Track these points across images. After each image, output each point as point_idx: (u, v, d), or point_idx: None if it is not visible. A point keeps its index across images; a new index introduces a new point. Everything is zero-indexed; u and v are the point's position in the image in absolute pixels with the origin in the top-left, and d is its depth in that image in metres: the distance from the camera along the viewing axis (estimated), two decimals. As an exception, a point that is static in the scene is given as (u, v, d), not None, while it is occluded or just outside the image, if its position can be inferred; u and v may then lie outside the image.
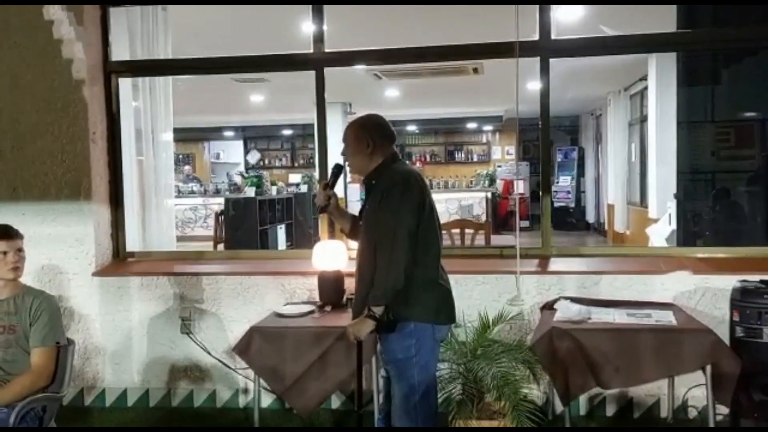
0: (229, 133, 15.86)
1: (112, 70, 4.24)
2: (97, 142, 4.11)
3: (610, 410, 3.69)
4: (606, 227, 11.53)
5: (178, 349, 4.00)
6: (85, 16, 4.02)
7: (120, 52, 4.31)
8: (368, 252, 2.62)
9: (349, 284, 3.75)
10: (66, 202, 4.02)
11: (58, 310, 3.02)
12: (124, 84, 4.35)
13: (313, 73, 4.13)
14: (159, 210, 4.64)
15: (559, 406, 3.37)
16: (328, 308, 3.58)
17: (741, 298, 3.13)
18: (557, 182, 13.58)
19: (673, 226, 5.91)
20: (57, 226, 4.03)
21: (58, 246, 4.03)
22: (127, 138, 4.38)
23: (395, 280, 2.50)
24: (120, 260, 4.26)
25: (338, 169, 2.81)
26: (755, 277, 3.23)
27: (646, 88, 8.38)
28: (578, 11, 4.99)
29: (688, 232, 5.74)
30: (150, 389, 4.06)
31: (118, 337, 4.06)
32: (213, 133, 15.55)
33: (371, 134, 2.70)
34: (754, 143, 5.81)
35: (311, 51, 4.10)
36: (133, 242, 4.40)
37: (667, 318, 3.17)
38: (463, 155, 16.05)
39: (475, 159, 15.91)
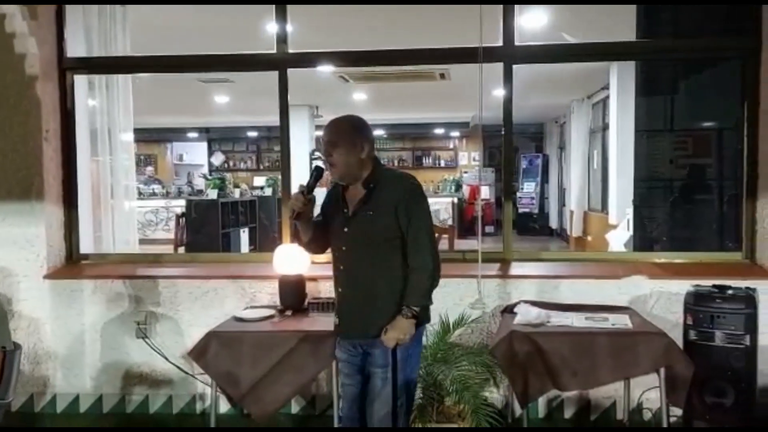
0: (192, 134, 15.64)
1: (67, 67, 4.12)
2: (50, 140, 3.99)
3: (568, 412, 3.72)
4: (568, 233, 11.71)
5: (133, 354, 3.90)
6: (39, 10, 3.90)
7: (76, 49, 4.19)
8: (377, 259, 2.54)
9: (312, 289, 3.72)
10: (16, 202, 3.89)
11: (5, 314, 2.91)
12: (80, 81, 4.24)
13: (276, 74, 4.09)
14: (117, 212, 4.53)
15: (518, 409, 3.39)
16: (288, 312, 3.53)
17: (694, 302, 3.20)
18: (522, 188, 13.75)
19: (631, 231, 6.03)
20: (6, 227, 3.90)
21: (8, 247, 3.89)
22: (83, 137, 4.26)
23: (437, 279, 2.57)
24: (73, 263, 4.14)
25: (319, 173, 2.60)
26: (708, 282, 3.30)
27: (608, 96, 8.55)
28: (541, 19, 5.06)
29: (645, 238, 5.85)
30: (103, 395, 3.95)
31: (70, 341, 3.94)
32: (176, 133, 15.32)
33: (366, 136, 2.58)
34: (711, 152, 5.95)
35: (274, 51, 4.06)
36: (88, 245, 4.29)
37: (623, 322, 3.22)
38: (430, 160, 16.17)
39: (442, 165, 16.06)
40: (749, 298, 3.14)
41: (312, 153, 11.32)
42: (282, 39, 4.04)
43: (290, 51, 4.06)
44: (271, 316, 3.47)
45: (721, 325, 3.12)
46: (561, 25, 4.93)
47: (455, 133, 15.71)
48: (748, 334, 3.10)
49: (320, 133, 12.41)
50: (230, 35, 4.70)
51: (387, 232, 2.54)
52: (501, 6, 3.89)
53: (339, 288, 2.62)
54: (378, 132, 15.31)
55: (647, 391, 3.46)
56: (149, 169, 14.07)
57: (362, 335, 2.60)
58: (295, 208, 2.52)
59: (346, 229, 2.56)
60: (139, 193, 11.54)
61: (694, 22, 4.66)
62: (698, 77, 5.46)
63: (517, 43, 3.95)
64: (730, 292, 3.18)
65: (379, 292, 2.55)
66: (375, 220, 2.54)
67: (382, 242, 2.54)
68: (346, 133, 2.55)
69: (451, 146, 16.22)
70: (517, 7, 3.93)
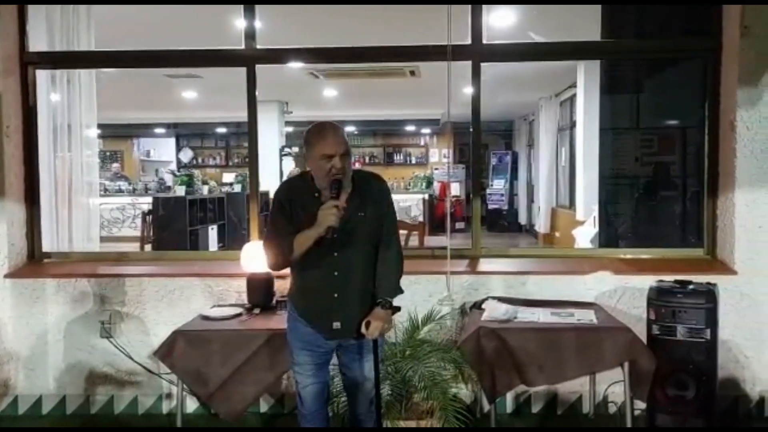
0: (160, 130, 15.38)
1: (28, 62, 4.04)
2: (11, 136, 3.91)
3: (535, 407, 3.77)
4: (537, 229, 11.85)
5: (98, 353, 3.83)
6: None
7: (37, 43, 4.10)
8: (366, 257, 2.61)
9: (280, 286, 3.70)
10: (-24, 199, 3.80)
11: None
12: (42, 76, 4.14)
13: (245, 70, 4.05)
14: (80, 209, 4.44)
15: (487, 405, 3.42)
16: (256, 311, 3.51)
17: (657, 297, 3.27)
18: (492, 185, 13.87)
19: (597, 228, 6.13)
20: (-34, 225, 3.79)
21: (-33, 246, 3.79)
22: (45, 133, 4.17)
23: None
24: (35, 261, 4.06)
25: (340, 185, 2.50)
26: (671, 278, 3.38)
27: (575, 94, 8.66)
28: (510, 18, 5.11)
29: (610, 234, 5.95)
30: (67, 396, 3.88)
31: (32, 341, 3.86)
32: (143, 129, 15.05)
33: None
34: (676, 150, 6.07)
35: (242, 47, 4.02)
36: (51, 243, 4.20)
37: (589, 317, 3.27)
38: (401, 157, 16.21)
39: (413, 161, 16.13)
40: (710, 294, 3.22)
41: (282, 149, 11.24)
42: (250, 35, 4.01)
43: (258, 47, 4.03)
44: (238, 315, 3.44)
45: (683, 319, 3.19)
46: (528, 25, 4.99)
47: (426, 130, 15.76)
48: (709, 329, 3.18)
49: (290, 129, 12.40)
50: (198, 30, 4.64)
51: (375, 229, 2.62)
52: (469, 5, 3.91)
53: (335, 293, 2.59)
54: (349, 128, 15.28)
55: (612, 385, 3.52)
56: (115, 165, 13.77)
57: (357, 332, 2.63)
58: (332, 224, 2.43)
59: (336, 235, 2.50)
60: (105, 190, 11.32)
61: (657, 22, 4.75)
62: (662, 76, 5.56)
63: (485, 41, 3.98)
64: (691, 287, 3.25)
65: (369, 288, 2.63)
66: (367, 220, 2.59)
67: (370, 240, 2.61)
68: (347, 141, 2.56)
69: (422, 143, 16.28)
70: (485, 6, 3.96)
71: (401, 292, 2.69)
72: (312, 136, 2.54)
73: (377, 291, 2.63)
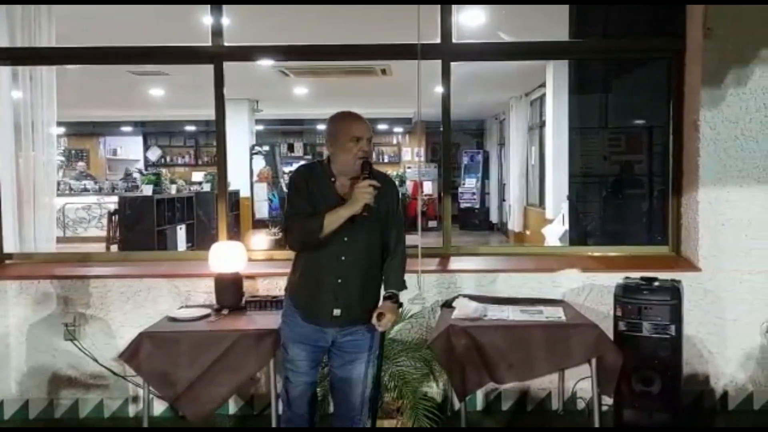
0: (127, 128, 15.12)
1: (-12, 57, 3.93)
2: (-31, 134, 3.79)
3: (505, 404, 3.80)
4: (508, 227, 11.96)
5: (61, 356, 3.74)
6: (-45, -4, 3.69)
7: (-2, 38, 3.99)
8: (373, 246, 2.66)
9: (249, 287, 3.66)
10: (-67, 199, 3.68)
11: None
12: (3, 73, 4.03)
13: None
14: (43, 209, 4.33)
15: (457, 403, 3.43)
16: (225, 311, 3.46)
17: (623, 294, 3.31)
18: (464, 184, 13.95)
19: (566, 226, 6.20)
20: None
21: (-77, 247, 3.68)
22: (6, 131, 4.06)
23: None
24: (-4, 262, 3.95)
25: (371, 167, 2.60)
26: (637, 275, 3.43)
27: (545, 94, 8.75)
28: (479, 18, 5.13)
29: (579, 232, 6.03)
30: (30, 400, 3.78)
31: (-8, 345, 3.76)
32: (109, 127, 14.79)
33: None
34: (643, 149, 6.17)
35: (209, 44, 3.96)
36: (14, 243, 4.10)
37: (557, 314, 3.30)
38: (374, 156, 16.18)
39: (386, 160, 16.13)
40: (674, 290, 3.27)
41: (252, 148, 11.13)
42: (217, 32, 3.95)
43: (226, 44, 3.98)
44: (206, 316, 3.38)
45: (648, 316, 3.23)
46: (497, 25, 5.02)
47: (398, 129, 15.80)
48: (674, 325, 3.23)
49: (261, 128, 12.33)
50: (164, 26, 4.56)
51: (383, 223, 2.67)
52: (439, 5, 3.92)
53: (338, 279, 2.61)
54: (321, 126, 15.22)
55: (580, 381, 3.56)
56: (81, 164, 13.50)
57: (361, 321, 2.64)
58: (368, 202, 2.51)
59: (369, 213, 2.56)
60: (70, 189, 11.09)
61: (624, 23, 4.81)
62: (630, 77, 5.65)
63: (454, 40, 3.99)
64: (656, 284, 3.30)
65: (374, 278, 2.68)
66: (379, 212, 2.62)
67: (378, 232, 2.66)
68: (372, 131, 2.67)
69: (395, 142, 16.32)
70: (454, 5, 3.97)
71: (405, 287, 2.75)
72: (340, 120, 2.64)
73: (385, 285, 2.69)
